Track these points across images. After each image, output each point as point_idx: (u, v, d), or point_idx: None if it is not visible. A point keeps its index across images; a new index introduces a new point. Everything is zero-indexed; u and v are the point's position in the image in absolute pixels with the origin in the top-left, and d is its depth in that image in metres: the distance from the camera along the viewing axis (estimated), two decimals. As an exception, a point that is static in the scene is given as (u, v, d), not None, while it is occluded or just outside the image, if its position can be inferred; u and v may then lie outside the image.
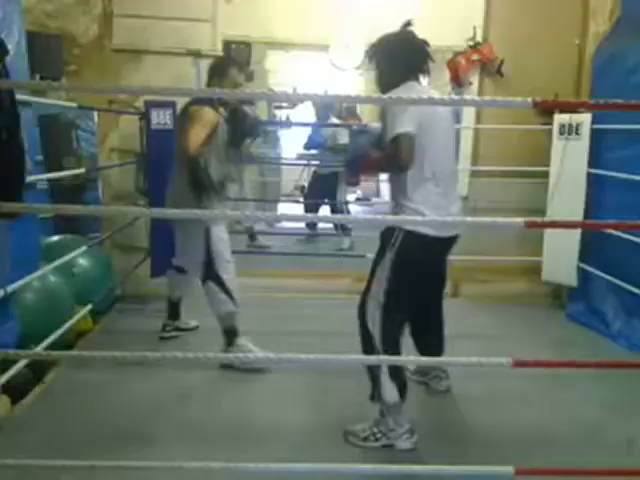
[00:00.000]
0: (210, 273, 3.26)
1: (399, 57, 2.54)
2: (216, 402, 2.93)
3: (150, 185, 4.19)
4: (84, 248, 3.48)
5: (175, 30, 4.44)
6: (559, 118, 4.32)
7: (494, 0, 4.65)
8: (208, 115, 3.16)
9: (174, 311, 3.77)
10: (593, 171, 4.13)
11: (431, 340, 2.99)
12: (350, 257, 4.99)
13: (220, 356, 3.15)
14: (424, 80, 2.64)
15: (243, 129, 3.37)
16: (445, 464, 2.07)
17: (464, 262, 4.70)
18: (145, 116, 4.10)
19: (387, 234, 2.48)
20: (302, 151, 7.12)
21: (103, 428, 2.61)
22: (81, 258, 3.73)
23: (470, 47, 4.61)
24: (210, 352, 2.39)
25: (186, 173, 3.13)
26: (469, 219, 2.16)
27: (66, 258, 3.24)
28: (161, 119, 4.08)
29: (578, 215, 4.12)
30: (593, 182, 4.14)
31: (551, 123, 4.39)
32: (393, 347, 2.48)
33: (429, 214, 2.41)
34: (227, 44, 4.92)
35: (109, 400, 2.90)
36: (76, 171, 3.90)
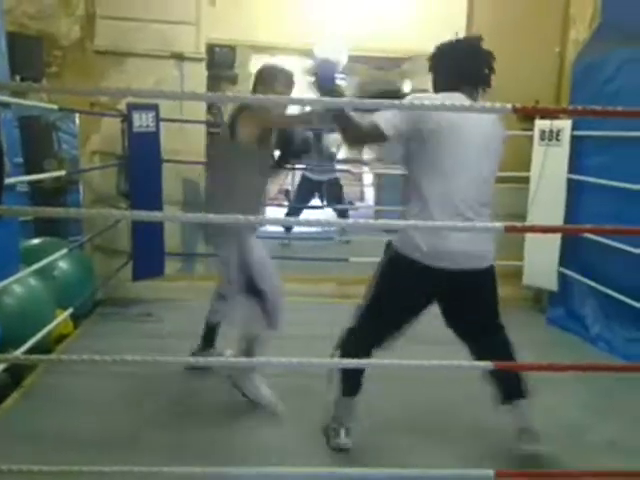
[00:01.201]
0: (252, 289, 2.83)
1: (447, 64, 2.42)
2: (196, 407, 2.91)
3: (132, 188, 4.17)
4: (65, 251, 3.45)
5: (158, 33, 4.43)
6: (540, 124, 4.37)
7: (476, 7, 4.70)
8: (257, 119, 2.80)
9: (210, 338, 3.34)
10: (573, 177, 4.18)
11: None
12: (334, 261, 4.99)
13: (199, 360, 3.13)
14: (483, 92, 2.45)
15: (294, 147, 3.08)
16: (427, 467, 2.08)
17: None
18: (127, 119, 4.08)
19: (387, 242, 2.39)
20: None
21: (82, 433, 2.59)
22: (62, 261, 3.69)
23: (453, 53, 4.64)
24: (187, 356, 2.38)
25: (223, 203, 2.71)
26: (450, 223, 2.17)
27: (46, 261, 3.22)
28: (143, 122, 4.06)
29: (558, 220, 4.17)
30: (573, 187, 4.20)
31: (532, 129, 4.43)
32: (360, 351, 2.35)
33: (419, 237, 2.20)
34: (211, 47, 4.93)
35: (88, 405, 2.87)
36: (57, 173, 3.87)
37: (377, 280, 2.39)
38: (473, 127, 2.31)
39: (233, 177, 2.84)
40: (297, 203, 6.97)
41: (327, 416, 2.61)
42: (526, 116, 4.42)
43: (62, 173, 3.87)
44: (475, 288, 2.37)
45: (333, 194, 6.77)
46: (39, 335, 2.97)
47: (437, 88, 2.43)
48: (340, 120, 2.25)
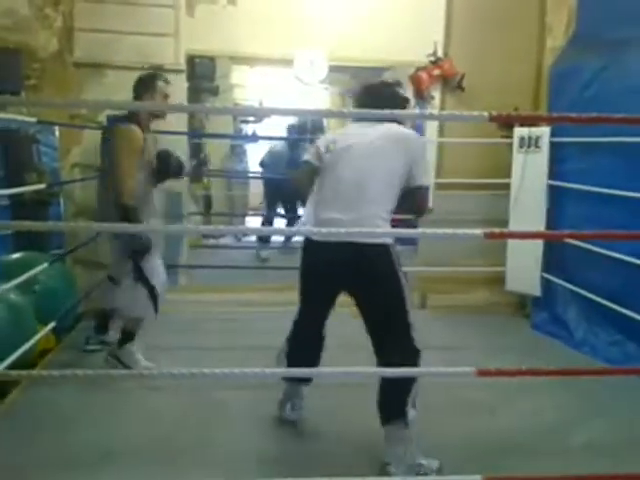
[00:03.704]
0: (140, 275, 3.24)
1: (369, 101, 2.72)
2: (179, 422, 2.89)
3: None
4: (45, 265, 3.41)
5: (137, 44, 4.42)
6: (519, 131, 4.42)
7: (454, 16, 4.76)
8: (136, 136, 3.16)
9: (102, 324, 3.81)
10: (553, 183, 4.23)
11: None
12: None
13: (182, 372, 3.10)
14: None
15: (167, 170, 3.39)
16: (411, 474, 2.08)
17: (430, 273, 4.77)
18: (107, 131, 4.06)
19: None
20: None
21: (65, 449, 2.56)
22: (43, 275, 3.65)
23: (431, 62, 4.70)
24: (175, 370, 2.35)
25: (113, 209, 3.15)
26: (429, 231, 2.19)
27: (27, 275, 3.18)
28: (124, 134, 4.03)
29: (540, 225, 4.21)
30: (554, 193, 4.25)
31: (512, 136, 4.48)
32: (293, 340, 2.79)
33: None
34: (191, 59, 4.92)
35: (71, 420, 2.84)
36: (37, 186, 3.84)
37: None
38: (362, 145, 2.60)
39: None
40: (266, 211, 6.97)
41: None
42: (505, 124, 4.48)
43: (42, 186, 3.84)
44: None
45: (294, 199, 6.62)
46: (21, 350, 2.93)
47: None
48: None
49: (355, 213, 2.44)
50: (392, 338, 2.44)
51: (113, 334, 3.69)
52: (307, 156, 2.73)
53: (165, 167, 3.36)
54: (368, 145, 2.55)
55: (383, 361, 2.42)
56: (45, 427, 2.77)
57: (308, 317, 2.74)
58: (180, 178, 3.86)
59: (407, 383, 2.39)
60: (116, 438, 2.69)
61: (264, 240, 6.44)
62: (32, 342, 3.12)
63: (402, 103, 2.75)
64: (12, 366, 2.76)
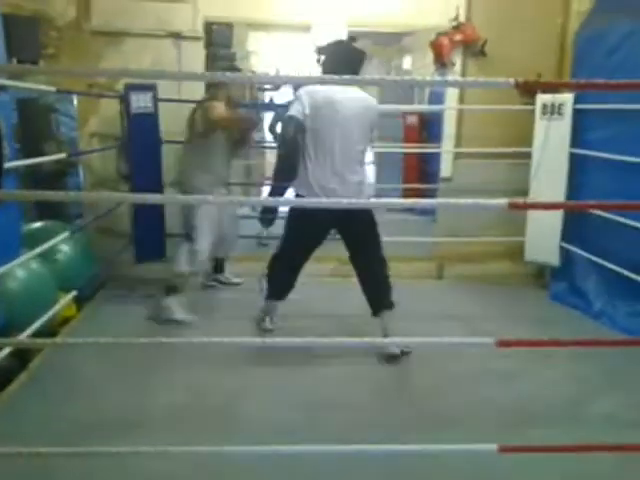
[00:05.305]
0: (190, 236, 3.70)
1: (332, 59, 3.25)
2: (202, 387, 2.93)
3: (132, 170, 4.15)
4: (66, 234, 3.44)
5: (155, 11, 4.36)
6: (541, 98, 4.32)
7: (476, -20, 4.62)
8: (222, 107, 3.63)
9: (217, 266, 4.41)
10: (575, 151, 4.15)
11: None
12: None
13: (204, 341, 3.14)
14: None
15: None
16: (429, 443, 2.10)
17: (448, 244, 4.75)
18: (125, 100, 4.05)
19: None
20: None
21: (88, 414, 2.61)
22: (63, 244, 3.69)
23: (453, 27, 4.58)
24: (194, 338, 2.38)
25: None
26: (452, 200, 2.16)
27: (48, 245, 3.21)
28: (141, 103, 4.02)
29: (560, 195, 4.15)
30: (575, 162, 4.17)
31: (534, 103, 4.39)
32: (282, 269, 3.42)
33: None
34: (208, 25, 4.86)
35: (93, 386, 2.89)
36: (56, 156, 3.84)
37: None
38: (345, 102, 3.10)
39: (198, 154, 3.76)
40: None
41: (257, 310, 3.53)
42: (527, 90, 4.38)
43: (62, 156, 3.85)
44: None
45: None
46: (44, 318, 2.98)
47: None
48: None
49: (349, 180, 3.16)
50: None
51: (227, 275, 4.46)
52: (292, 111, 3.11)
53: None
54: (350, 114, 3.09)
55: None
56: (70, 392, 2.82)
57: (300, 252, 3.34)
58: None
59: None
60: (145, 404, 2.74)
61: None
62: (54, 310, 3.16)
63: (362, 57, 3.27)
64: (35, 334, 2.81)
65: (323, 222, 3.17)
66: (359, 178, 3.25)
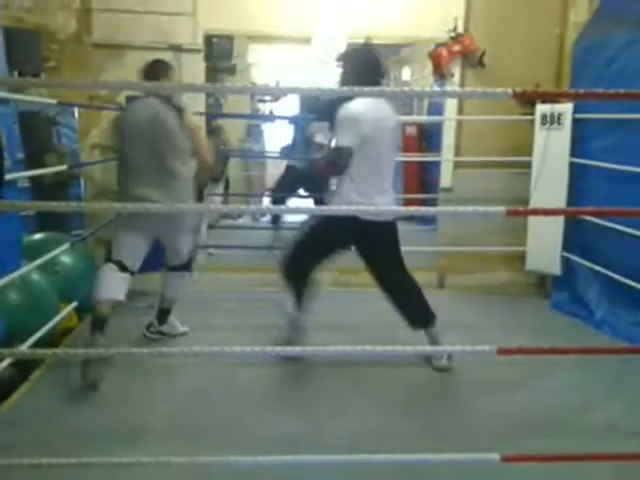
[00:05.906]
0: (191, 265, 3.59)
1: (356, 68, 3.12)
2: (205, 397, 2.92)
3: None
4: (67, 245, 3.45)
5: (155, 24, 4.40)
6: (541, 108, 4.34)
7: (475, -10, 4.66)
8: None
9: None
10: (575, 160, 4.17)
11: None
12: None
13: (204, 350, 3.14)
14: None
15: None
16: (431, 452, 2.09)
17: (449, 253, 4.75)
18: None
19: None
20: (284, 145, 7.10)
21: (89, 425, 2.60)
22: (64, 255, 3.69)
23: (451, 38, 4.62)
24: (196, 347, 2.39)
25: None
26: (451, 208, 2.17)
27: (49, 255, 3.22)
28: (143, 114, 4.03)
29: (561, 204, 4.16)
30: (575, 171, 4.18)
31: (533, 113, 4.41)
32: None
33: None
34: (209, 38, 4.90)
35: (94, 397, 2.88)
36: (58, 168, 3.86)
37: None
38: (388, 123, 3.11)
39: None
40: (282, 192, 6.91)
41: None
42: (527, 100, 4.41)
43: (63, 168, 3.86)
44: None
45: (318, 183, 6.56)
46: (45, 329, 2.98)
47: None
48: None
49: (391, 194, 3.21)
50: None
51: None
52: (346, 141, 2.95)
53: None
54: (390, 128, 3.09)
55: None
56: (70, 403, 2.81)
57: (312, 260, 3.26)
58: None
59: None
60: (146, 415, 2.73)
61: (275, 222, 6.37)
62: (55, 321, 3.17)
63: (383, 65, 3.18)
64: (36, 345, 2.81)
65: (347, 236, 3.15)
66: (394, 193, 3.30)
